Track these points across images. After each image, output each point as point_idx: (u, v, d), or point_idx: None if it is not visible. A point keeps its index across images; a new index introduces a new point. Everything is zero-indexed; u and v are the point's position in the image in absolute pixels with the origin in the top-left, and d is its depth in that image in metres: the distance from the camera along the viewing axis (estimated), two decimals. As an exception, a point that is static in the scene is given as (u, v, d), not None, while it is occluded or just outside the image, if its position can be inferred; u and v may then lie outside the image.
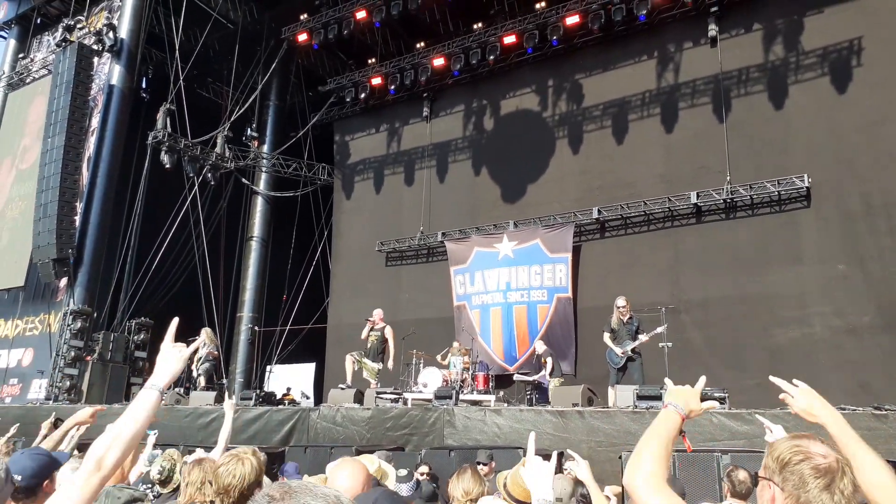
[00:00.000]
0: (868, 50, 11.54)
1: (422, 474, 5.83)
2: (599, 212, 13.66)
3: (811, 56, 12.22)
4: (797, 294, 11.51)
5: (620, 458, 6.73)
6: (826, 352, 10.98)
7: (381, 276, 16.75)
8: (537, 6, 14.80)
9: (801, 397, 2.17)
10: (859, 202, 11.23)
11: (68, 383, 14.74)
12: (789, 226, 11.92)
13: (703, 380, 2.06)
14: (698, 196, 12.56)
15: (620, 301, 9.96)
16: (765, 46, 12.73)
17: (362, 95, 17.04)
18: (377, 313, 11.66)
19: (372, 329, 11.52)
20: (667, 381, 2.17)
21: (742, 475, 4.43)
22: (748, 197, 12.21)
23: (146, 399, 1.94)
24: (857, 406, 7.36)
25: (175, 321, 2.19)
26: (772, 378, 2.32)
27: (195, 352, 13.16)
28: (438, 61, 15.83)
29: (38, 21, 21.08)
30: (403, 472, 5.25)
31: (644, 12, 13.15)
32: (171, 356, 2.06)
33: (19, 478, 2.40)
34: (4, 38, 22.19)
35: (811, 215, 11.70)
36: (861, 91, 11.54)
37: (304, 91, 20.57)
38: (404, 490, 4.90)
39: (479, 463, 5.85)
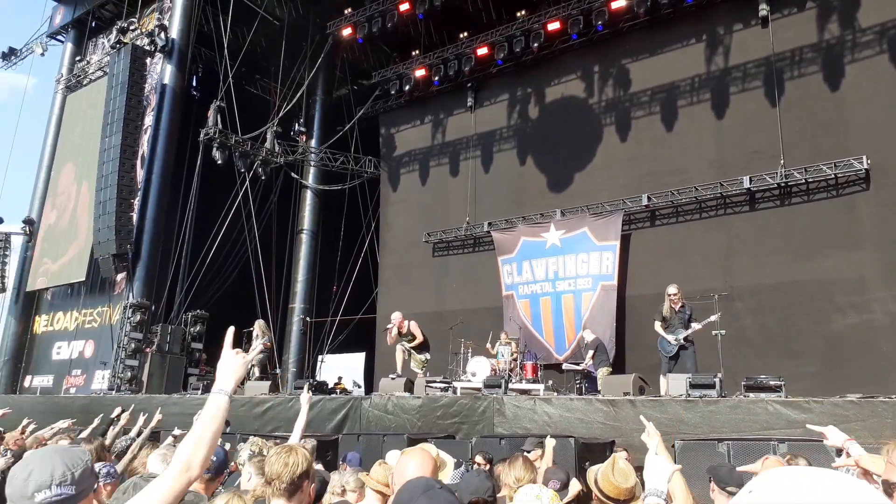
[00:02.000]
0: (930, 25, 11.08)
1: (477, 463, 5.90)
2: (649, 199, 13.46)
3: (868, 33, 11.78)
4: (856, 279, 11.16)
5: (674, 446, 6.67)
6: (887, 339, 10.62)
7: (427, 267, 16.87)
8: (582, -9, 14.63)
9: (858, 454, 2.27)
10: (922, 183, 10.83)
11: (129, 374, 15.30)
12: (847, 209, 11.56)
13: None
14: (751, 181, 12.27)
15: (672, 289, 9.83)
16: (819, 25, 12.32)
17: (407, 87, 17.12)
18: (396, 317, 11.68)
19: (401, 335, 11.57)
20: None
21: (802, 463, 4.36)
22: (803, 181, 11.87)
23: (216, 403, 2.04)
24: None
25: (231, 330, 2.27)
26: (811, 426, 2.44)
27: (246, 343, 13.55)
28: (482, 51, 15.79)
29: (93, 24, 21.78)
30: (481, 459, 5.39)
31: (692, -6, 12.88)
32: (233, 362, 2.15)
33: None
34: (62, 41, 22.96)
35: (870, 198, 11.32)
36: (923, 68, 11.09)
37: (350, 85, 20.78)
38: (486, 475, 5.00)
39: (525, 451, 5.89)
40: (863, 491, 0.93)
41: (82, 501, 1.77)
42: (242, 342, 14.46)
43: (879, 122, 11.39)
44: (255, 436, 5.18)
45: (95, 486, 1.90)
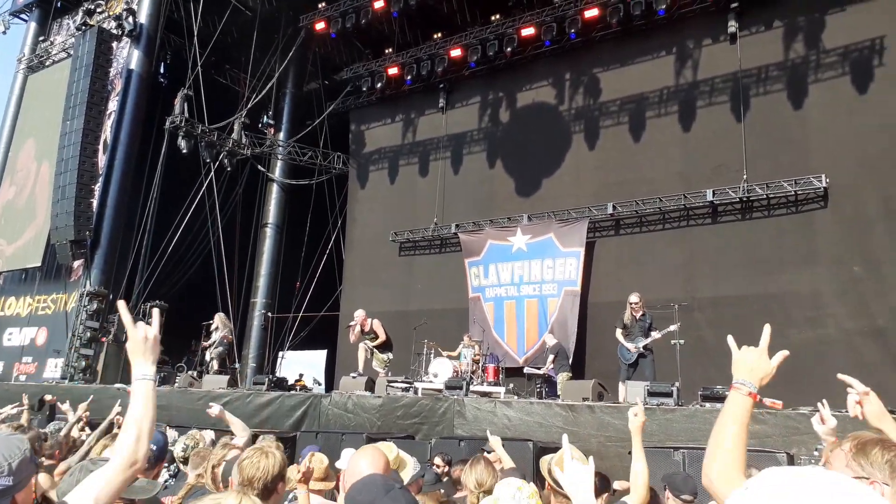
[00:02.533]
0: (891, 49, 11.42)
1: (436, 465, 5.89)
2: (614, 207, 13.63)
3: (832, 55, 12.11)
4: (811, 295, 11.46)
5: (630, 453, 6.75)
6: (840, 353, 10.93)
7: (393, 266, 16.82)
8: (556, -1, 14.75)
9: (875, 402, 2.22)
10: (878, 204, 11.15)
11: (84, 363, 14.96)
12: (805, 226, 11.86)
13: (767, 329, 1.96)
14: (714, 194, 12.50)
15: (634, 297, 9.98)
16: (785, 44, 12.62)
17: (378, 85, 17.04)
18: (359, 315, 11.64)
19: (363, 333, 11.54)
20: (730, 340, 2.05)
21: (753, 473, 4.44)
22: (764, 196, 12.15)
23: (142, 391, 1.99)
24: None
25: (121, 304, 2.24)
26: (841, 376, 2.37)
27: (205, 335, 13.35)
28: (455, 52, 15.80)
29: (59, 5, 21.20)
30: (440, 461, 5.35)
31: (663, 7, 13.04)
32: (141, 340, 2.06)
33: None
34: (25, 20, 22.31)
35: (828, 216, 11.63)
36: (883, 91, 11.42)
37: (321, 79, 20.61)
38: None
39: (486, 451, 5.90)
40: (861, 493, 0.93)
41: (21, 492, 1.71)
42: (203, 333, 14.26)
43: (839, 143, 11.71)
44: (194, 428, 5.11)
45: (34, 475, 1.84)
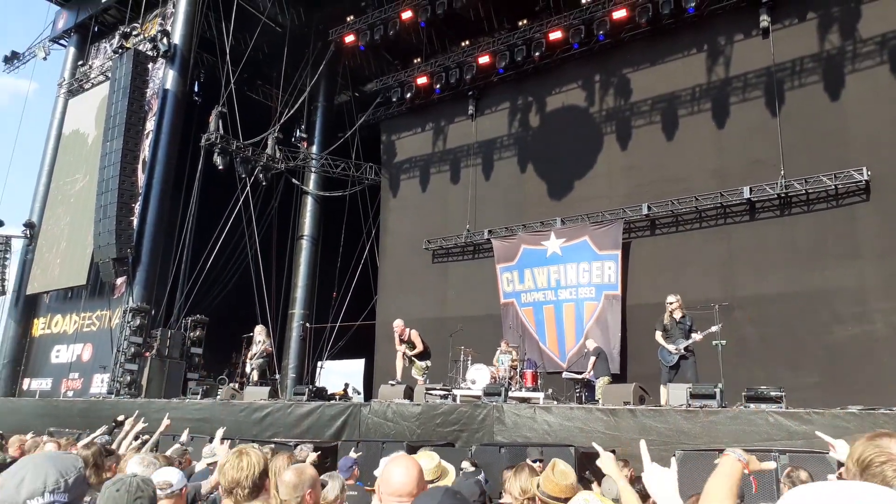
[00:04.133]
0: (931, 37, 11.13)
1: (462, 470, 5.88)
2: (649, 208, 13.48)
3: (869, 44, 11.83)
4: (857, 290, 11.17)
5: (674, 456, 6.66)
6: (887, 349, 10.63)
7: (427, 274, 16.87)
8: (583, 1, 14.68)
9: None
10: (922, 195, 10.84)
11: (129, 378, 15.27)
12: (847, 220, 11.57)
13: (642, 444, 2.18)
14: (751, 191, 12.29)
15: (671, 298, 9.83)
16: (820, 35, 12.37)
17: (408, 95, 17.17)
18: (398, 324, 11.68)
19: (402, 342, 11.58)
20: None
21: (803, 475, 4.35)
22: (803, 191, 11.90)
23: None
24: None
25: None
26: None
27: (246, 347, 13.53)
28: (483, 59, 15.85)
29: (96, 29, 21.83)
30: (470, 467, 5.32)
31: (693, 4, 12.94)
32: None
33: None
34: (64, 46, 23.00)
35: (870, 209, 11.34)
36: (924, 80, 11.13)
37: (351, 92, 20.83)
38: (475, 480, 4.97)
39: (535, 460, 5.87)
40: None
41: None
42: (243, 346, 14.47)
43: (879, 134, 11.43)
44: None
45: (86, 491, 1.87)
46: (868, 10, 11.89)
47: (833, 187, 11.62)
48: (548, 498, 3.16)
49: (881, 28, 11.69)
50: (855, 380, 10.47)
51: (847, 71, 12.03)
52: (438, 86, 16.69)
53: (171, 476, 3.33)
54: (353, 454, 6.21)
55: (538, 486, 3.24)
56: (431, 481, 3.42)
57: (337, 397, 12.14)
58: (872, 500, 0.88)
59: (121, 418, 7.48)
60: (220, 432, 5.39)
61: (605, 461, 3.50)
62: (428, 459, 3.59)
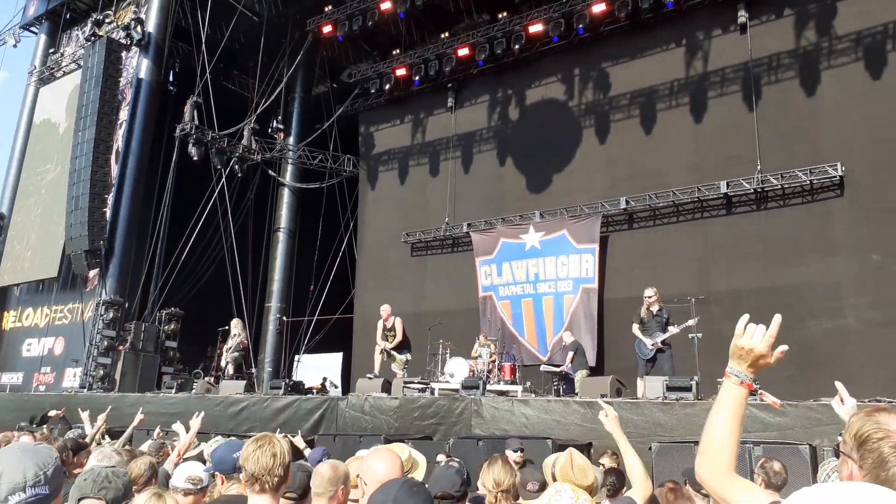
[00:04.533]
0: (905, 34, 11.27)
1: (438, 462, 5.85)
2: (627, 202, 13.54)
3: (844, 41, 11.95)
4: (830, 285, 11.31)
5: (650, 449, 6.69)
6: (860, 344, 10.79)
7: (406, 267, 16.80)
8: (563, -6, 14.68)
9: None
10: (895, 190, 10.98)
11: (101, 372, 15.04)
12: (822, 215, 11.71)
13: (777, 320, 1.82)
14: (728, 186, 12.38)
15: (649, 292, 9.88)
16: (796, 32, 12.47)
17: (387, 86, 17.04)
18: (385, 310, 11.64)
19: (385, 329, 11.54)
20: (741, 321, 1.89)
21: (777, 466, 4.38)
22: (779, 186, 12.01)
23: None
24: (893, 398, 7.24)
25: None
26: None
27: (221, 341, 13.38)
28: (463, 51, 15.77)
29: (68, 16, 21.36)
30: (443, 458, 5.28)
31: (672, -1, 12.99)
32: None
33: None
34: (35, 33, 22.50)
35: (845, 204, 11.47)
36: (896, 76, 11.28)
37: (329, 83, 20.64)
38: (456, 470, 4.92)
39: (515, 450, 5.85)
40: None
41: (55, 500, 1.69)
42: (219, 339, 14.30)
43: (854, 130, 11.56)
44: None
45: (62, 485, 1.79)
46: (844, 7, 12.01)
47: (808, 182, 11.74)
48: None
49: (856, 25, 11.81)
50: (828, 373, 10.55)
51: (822, 67, 12.15)
52: (417, 77, 16.59)
53: (198, 471, 3.27)
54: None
55: (553, 477, 3.15)
56: (407, 472, 3.38)
57: (314, 391, 12.05)
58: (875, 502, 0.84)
59: (52, 413, 7.37)
60: (196, 419, 5.27)
61: (610, 419, 3.44)
62: (398, 451, 3.55)
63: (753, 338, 1.80)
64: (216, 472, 3.09)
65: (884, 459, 1.46)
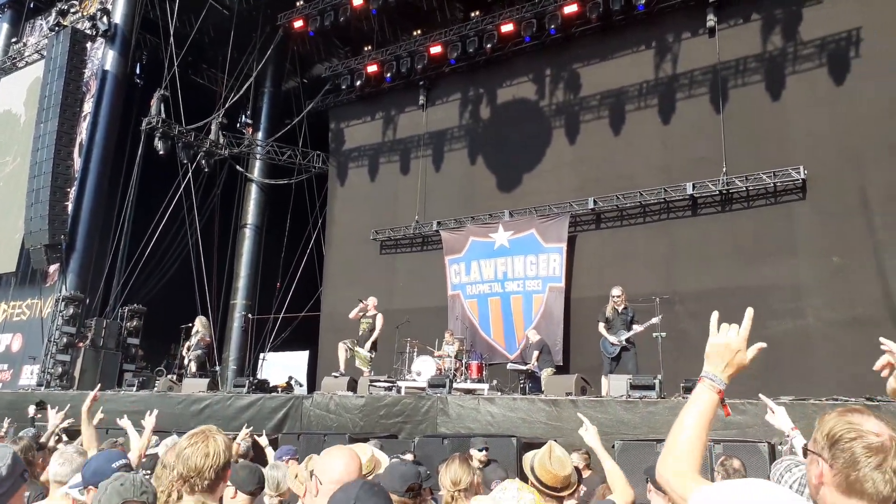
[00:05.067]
0: (867, 41, 11.49)
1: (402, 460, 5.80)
2: (595, 202, 13.62)
3: (809, 46, 12.17)
4: (791, 286, 11.50)
5: (613, 447, 6.71)
6: (820, 343, 10.99)
7: (375, 265, 16.70)
8: (535, -6, 14.71)
9: None
10: (856, 195, 11.20)
11: (60, 369, 14.69)
12: (785, 217, 11.90)
13: (749, 313, 1.85)
14: (694, 187, 12.52)
15: (616, 291, 9.95)
16: (763, 37, 12.67)
17: (358, 83, 16.94)
18: (372, 300, 11.61)
19: (364, 315, 11.46)
20: (713, 318, 1.90)
21: (736, 464, 4.42)
22: (744, 188, 12.18)
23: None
24: (851, 397, 7.38)
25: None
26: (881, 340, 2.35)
27: (184, 338, 13.16)
28: (435, 49, 15.73)
29: (31, 5, 20.80)
30: (409, 458, 5.23)
31: (642, 2, 13.11)
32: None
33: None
34: (-3, 21, 21.93)
35: (807, 207, 11.68)
36: (859, 82, 11.49)
37: (300, 78, 20.44)
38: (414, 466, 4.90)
39: (480, 449, 5.83)
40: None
41: (10, 499, 1.64)
42: (182, 336, 14.06)
43: (816, 134, 11.78)
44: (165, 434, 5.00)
45: (22, 485, 1.75)
46: (808, 13, 12.23)
47: (772, 185, 11.93)
48: (541, 486, 3.02)
49: (821, 31, 12.03)
50: (789, 372, 10.76)
51: (788, 72, 12.36)
52: (389, 74, 16.51)
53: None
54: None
55: (532, 470, 3.12)
56: (364, 475, 3.32)
57: (279, 389, 11.91)
58: (773, 500, 0.82)
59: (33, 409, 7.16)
60: (150, 417, 5.09)
61: (590, 432, 3.47)
62: (360, 452, 3.50)
63: (729, 333, 1.81)
64: (89, 487, 2.73)
65: (855, 459, 1.46)
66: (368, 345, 11.27)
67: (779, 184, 11.85)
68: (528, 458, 3.28)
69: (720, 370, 1.77)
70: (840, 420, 1.53)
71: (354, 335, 11.51)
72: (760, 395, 2.98)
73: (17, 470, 1.70)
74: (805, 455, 1.64)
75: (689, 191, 12.55)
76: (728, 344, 1.79)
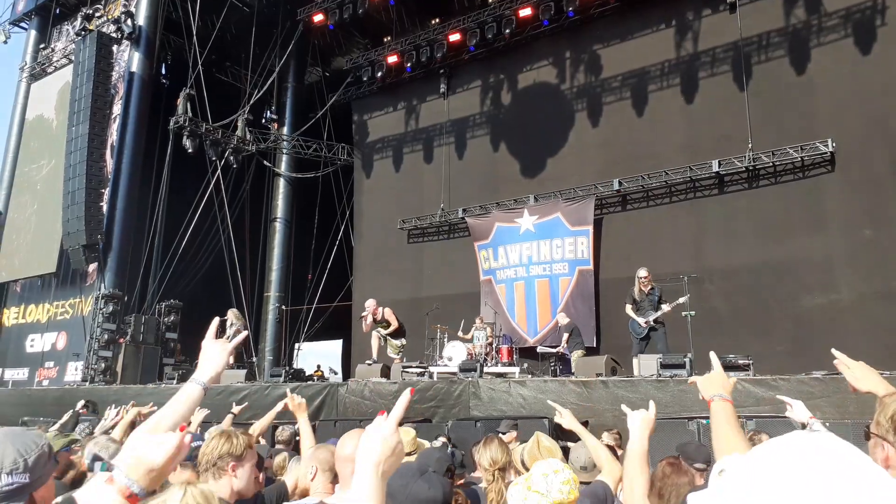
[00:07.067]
0: (892, 9, 11.29)
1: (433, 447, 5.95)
2: (620, 183, 13.61)
3: (833, 17, 11.99)
4: (823, 260, 11.42)
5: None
6: (853, 317, 10.91)
7: (403, 254, 16.89)
8: (552, -23, 14.64)
9: (858, 368, 2.37)
10: (885, 165, 11.06)
11: (103, 365, 15.16)
12: (813, 191, 11.80)
13: (714, 357, 2.26)
14: (720, 165, 12.46)
15: (642, 272, 9.99)
16: (785, 10, 12.50)
17: (379, 74, 17.04)
18: (370, 305, 11.68)
19: (376, 322, 11.59)
20: (695, 379, 2.28)
21: (765, 439, 4.49)
22: (770, 164, 12.09)
23: (189, 393, 1.93)
24: (885, 370, 7.36)
25: (216, 321, 2.19)
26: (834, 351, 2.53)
27: (220, 331, 13.45)
28: (454, 37, 15.75)
29: (57, 11, 21.28)
30: (438, 443, 5.38)
31: (661, -21, 12.98)
32: (214, 351, 2.05)
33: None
34: (25, 29, 22.42)
35: (836, 180, 11.56)
36: (886, 51, 11.31)
37: (322, 72, 20.63)
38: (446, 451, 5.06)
39: (500, 432, 5.97)
40: (859, 461, 0.83)
41: (40, 490, 1.59)
42: (217, 330, 14.39)
43: (844, 106, 11.62)
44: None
45: (54, 473, 1.71)
46: (832, -17, 12.04)
47: (799, 159, 11.82)
48: None
49: (845, 2, 11.84)
50: (821, 346, 10.63)
51: (812, 45, 12.19)
52: (409, 64, 16.58)
53: None
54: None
55: (522, 462, 3.23)
56: (409, 454, 3.50)
57: (315, 378, 12.18)
58: (835, 451, 0.84)
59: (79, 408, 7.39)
60: (199, 415, 5.37)
61: (566, 417, 3.59)
62: (403, 434, 3.66)
63: (715, 369, 2.20)
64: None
65: None
66: (399, 340, 11.49)
67: (806, 158, 11.74)
68: (518, 451, 3.41)
69: (721, 391, 2.05)
70: None
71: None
72: (777, 396, 3.13)
73: (52, 456, 1.69)
74: (868, 438, 1.68)
75: (716, 168, 12.49)
76: (720, 373, 2.15)
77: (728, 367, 7.80)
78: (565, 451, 4.24)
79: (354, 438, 2.66)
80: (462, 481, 4.22)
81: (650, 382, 7.91)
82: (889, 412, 1.56)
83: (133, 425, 6.40)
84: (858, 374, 2.34)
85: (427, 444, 3.94)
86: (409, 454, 3.53)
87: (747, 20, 12.68)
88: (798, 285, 11.52)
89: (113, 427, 5.90)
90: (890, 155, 11.05)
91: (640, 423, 3.43)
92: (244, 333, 2.22)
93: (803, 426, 3.30)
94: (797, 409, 3.17)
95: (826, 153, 11.49)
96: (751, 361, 7.80)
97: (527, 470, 3.14)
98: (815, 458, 0.82)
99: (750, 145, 12.11)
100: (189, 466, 3.32)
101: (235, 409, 6.83)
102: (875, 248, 10.98)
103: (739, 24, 12.67)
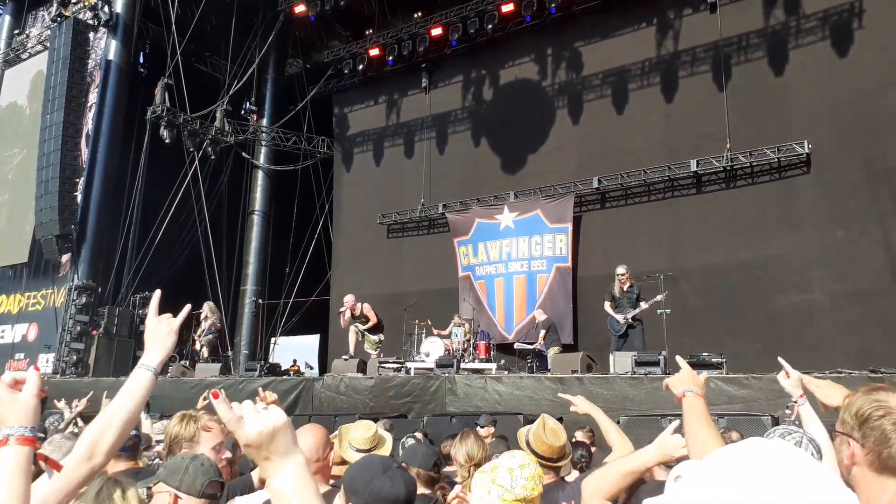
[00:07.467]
0: (869, 12, 11.43)
1: (416, 440, 5.93)
2: (599, 181, 13.66)
3: (812, 20, 12.11)
4: (797, 260, 11.57)
5: (619, 422, 6.84)
6: (826, 316, 11.07)
7: (382, 249, 16.82)
8: (535, -27, 14.62)
9: (825, 387, 2.47)
10: (860, 167, 11.21)
11: (75, 357, 14.94)
12: (789, 192, 11.93)
13: (679, 359, 2.40)
14: (698, 164, 12.55)
15: (620, 269, 10.05)
16: (765, 11, 12.60)
17: (360, 67, 16.92)
18: (348, 300, 11.64)
19: (354, 317, 11.54)
20: (679, 360, 2.44)
21: (735, 436, 4.52)
22: (748, 164, 12.20)
23: (138, 380, 1.81)
24: (855, 370, 7.46)
25: (157, 293, 2.01)
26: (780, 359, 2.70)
27: (195, 324, 13.33)
28: (436, 31, 15.68)
29: (33, -4, 20.88)
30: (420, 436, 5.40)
31: (643, -22, 13.02)
32: (159, 331, 1.91)
33: None
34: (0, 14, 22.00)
35: (810, 181, 11.70)
36: (862, 54, 11.45)
37: (302, 63, 20.44)
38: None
39: (478, 426, 5.97)
40: (811, 470, 0.85)
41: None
42: (193, 323, 14.24)
43: (820, 108, 11.76)
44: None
45: None
46: (810, -15, 12.16)
47: (776, 160, 11.94)
48: (538, 458, 3.06)
49: (823, 4, 11.96)
50: (795, 345, 10.85)
51: (790, 47, 12.30)
52: (391, 58, 16.49)
53: None
54: None
55: (528, 444, 3.20)
56: (368, 450, 3.46)
57: (291, 373, 12.10)
58: (787, 457, 0.86)
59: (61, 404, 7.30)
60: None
61: (580, 402, 3.56)
62: (364, 429, 3.63)
63: (684, 368, 2.31)
64: None
65: (886, 436, 1.46)
66: (376, 335, 11.45)
67: (783, 159, 11.86)
68: (523, 432, 3.39)
69: (692, 386, 2.17)
70: (867, 399, 1.54)
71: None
72: (780, 358, 3.00)
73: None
74: (833, 438, 1.70)
75: (693, 168, 12.58)
76: (689, 371, 2.27)
77: (701, 364, 7.86)
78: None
79: (306, 435, 2.67)
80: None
81: (625, 380, 7.95)
82: (854, 409, 1.56)
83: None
84: (828, 392, 2.41)
85: (390, 438, 3.90)
86: (369, 450, 3.50)
87: (727, 20, 12.76)
88: (772, 284, 11.65)
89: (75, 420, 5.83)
90: (864, 157, 11.20)
91: (582, 402, 3.51)
92: (188, 307, 2.09)
93: (775, 421, 3.30)
94: (791, 382, 3.05)
95: (802, 154, 11.62)
96: (724, 360, 7.87)
97: (531, 448, 3.14)
98: (771, 468, 0.84)
99: (728, 145, 12.21)
100: (124, 458, 3.29)
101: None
102: (848, 248, 11.13)
103: (720, 25, 12.75)
